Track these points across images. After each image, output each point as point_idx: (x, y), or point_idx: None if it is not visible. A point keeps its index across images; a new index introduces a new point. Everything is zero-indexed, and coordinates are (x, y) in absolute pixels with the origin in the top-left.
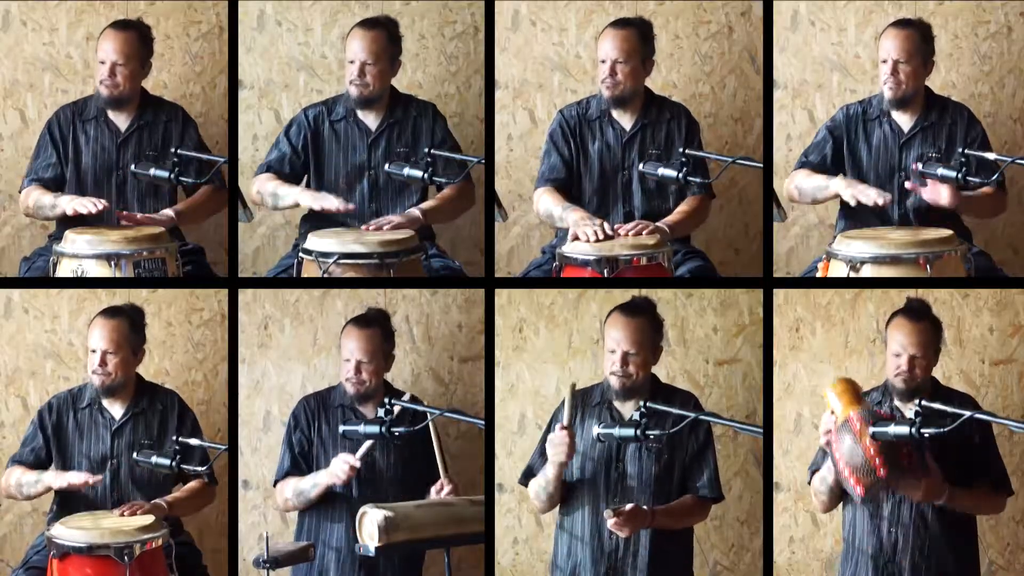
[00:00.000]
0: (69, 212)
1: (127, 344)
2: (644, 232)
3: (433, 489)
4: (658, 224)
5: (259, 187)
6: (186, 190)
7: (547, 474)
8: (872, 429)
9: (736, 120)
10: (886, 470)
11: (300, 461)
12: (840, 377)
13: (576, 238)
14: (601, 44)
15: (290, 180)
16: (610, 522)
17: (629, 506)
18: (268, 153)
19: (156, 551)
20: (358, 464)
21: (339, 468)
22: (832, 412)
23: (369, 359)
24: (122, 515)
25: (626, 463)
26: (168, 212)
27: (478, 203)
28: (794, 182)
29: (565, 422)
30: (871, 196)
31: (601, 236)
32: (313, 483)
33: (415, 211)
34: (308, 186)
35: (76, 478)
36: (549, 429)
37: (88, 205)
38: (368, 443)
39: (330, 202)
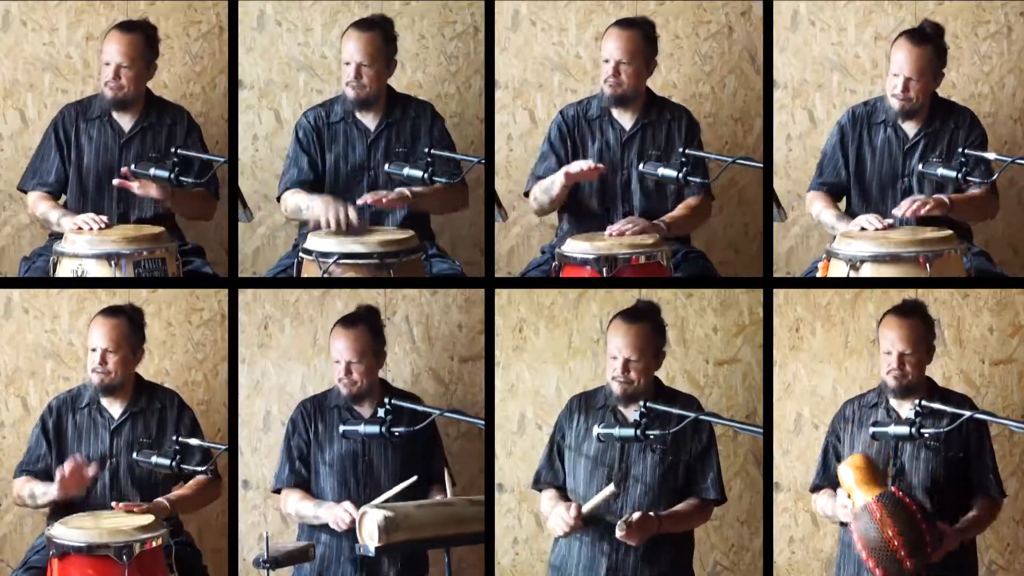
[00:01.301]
0: (71, 229)
1: (127, 343)
2: (638, 231)
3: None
4: (654, 222)
5: (284, 205)
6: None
7: (552, 527)
8: (872, 429)
9: (736, 120)
10: (912, 562)
11: (300, 466)
12: (856, 456)
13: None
14: (605, 44)
15: (313, 186)
16: (619, 533)
17: (637, 515)
18: (285, 171)
19: (156, 551)
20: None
21: (340, 517)
22: (849, 496)
23: (359, 359)
24: (121, 508)
25: (630, 465)
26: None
27: (478, 203)
28: (813, 210)
29: (585, 509)
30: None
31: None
32: (315, 514)
33: (405, 190)
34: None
35: (66, 466)
36: (554, 437)
37: (90, 223)
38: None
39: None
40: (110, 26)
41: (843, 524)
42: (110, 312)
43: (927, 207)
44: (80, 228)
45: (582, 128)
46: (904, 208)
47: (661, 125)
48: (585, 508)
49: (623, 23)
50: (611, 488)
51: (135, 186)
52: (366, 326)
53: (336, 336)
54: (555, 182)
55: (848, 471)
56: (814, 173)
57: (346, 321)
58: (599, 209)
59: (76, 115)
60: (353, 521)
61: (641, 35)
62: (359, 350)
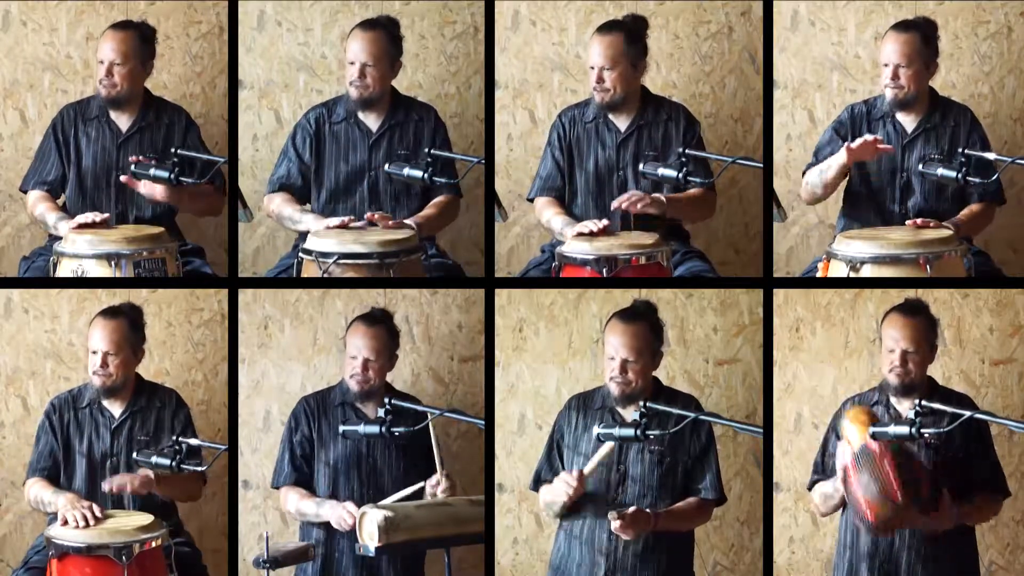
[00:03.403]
0: (71, 229)
1: (127, 345)
2: (641, 204)
3: (428, 484)
4: (654, 195)
5: (273, 208)
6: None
7: (555, 496)
8: (872, 429)
9: (736, 120)
10: (904, 494)
11: (302, 464)
12: (855, 406)
13: (578, 234)
14: (589, 49)
15: (302, 192)
16: (614, 525)
17: (632, 508)
18: (276, 166)
19: (155, 551)
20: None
21: (343, 518)
22: (848, 443)
23: (376, 357)
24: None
25: (628, 465)
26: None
27: (478, 203)
28: (805, 180)
29: (586, 470)
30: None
31: (598, 228)
32: (316, 512)
33: (410, 223)
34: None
35: (82, 505)
36: (553, 435)
37: (89, 220)
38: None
39: (334, 223)
40: (101, 26)
41: (842, 507)
42: (110, 314)
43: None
44: (81, 226)
45: (579, 131)
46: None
47: (658, 125)
48: (586, 468)
49: (604, 28)
50: (608, 445)
51: (140, 185)
52: (386, 327)
53: (357, 332)
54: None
55: (848, 421)
56: (811, 161)
57: (368, 319)
58: (596, 211)
59: (75, 115)
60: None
61: (623, 38)
62: (379, 348)
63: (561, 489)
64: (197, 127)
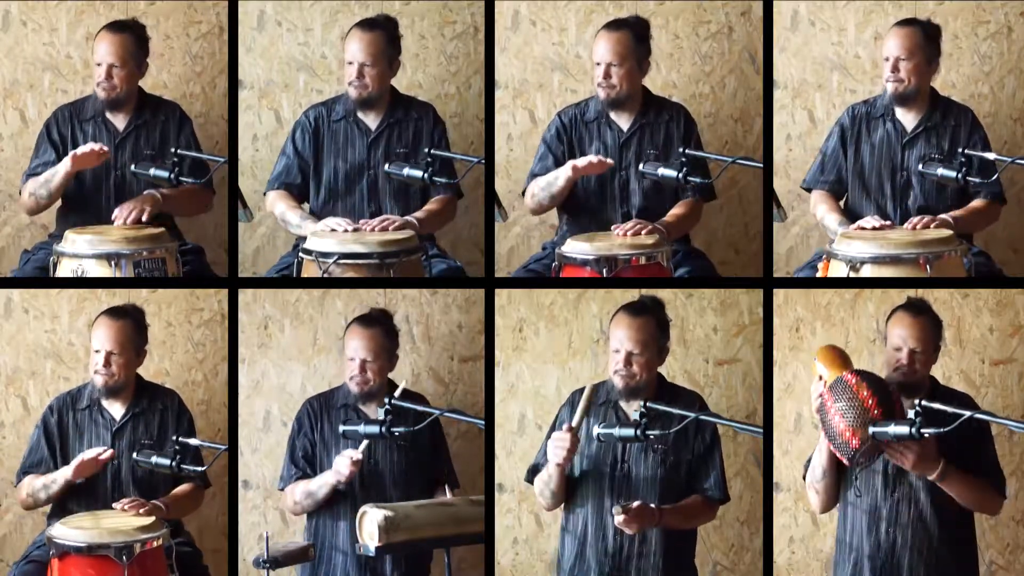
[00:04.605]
0: (69, 167)
1: (131, 345)
2: (643, 232)
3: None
4: (656, 224)
5: (277, 212)
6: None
7: (549, 471)
8: (872, 429)
9: (736, 120)
10: (880, 411)
11: (305, 465)
12: (826, 345)
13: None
14: (595, 46)
15: (301, 190)
16: (618, 519)
17: (636, 503)
18: (276, 164)
19: (156, 551)
20: (360, 457)
21: (342, 464)
22: (820, 378)
23: (374, 358)
24: (123, 510)
25: (631, 464)
26: (155, 193)
27: (478, 203)
28: (818, 212)
29: (573, 423)
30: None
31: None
32: (320, 483)
33: (411, 219)
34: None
35: (87, 455)
36: (554, 426)
37: (93, 151)
38: (365, 442)
39: (334, 223)
40: (100, 27)
41: (830, 467)
42: (115, 314)
43: (932, 226)
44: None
45: (579, 130)
46: (908, 226)
47: (659, 125)
48: (574, 421)
49: (612, 25)
50: (590, 386)
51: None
52: (383, 327)
53: (353, 334)
54: (560, 177)
55: (822, 355)
56: (814, 169)
57: (364, 320)
58: (598, 211)
59: (70, 115)
60: (356, 463)
61: (631, 36)
62: (375, 349)
63: (557, 449)
64: (191, 121)
